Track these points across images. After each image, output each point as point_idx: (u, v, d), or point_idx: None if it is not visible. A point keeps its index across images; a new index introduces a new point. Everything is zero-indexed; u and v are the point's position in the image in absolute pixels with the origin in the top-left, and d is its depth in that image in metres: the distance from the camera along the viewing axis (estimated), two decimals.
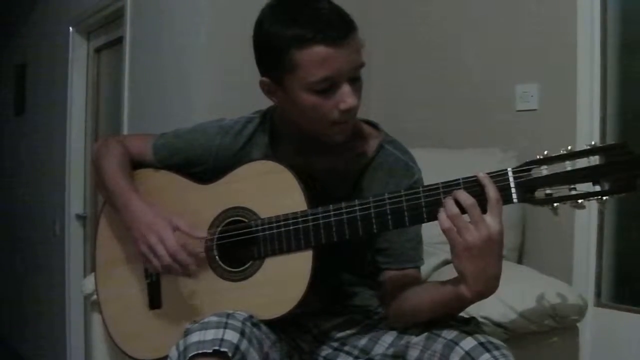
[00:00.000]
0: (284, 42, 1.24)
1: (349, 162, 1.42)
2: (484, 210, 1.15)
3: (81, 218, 3.69)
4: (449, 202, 1.17)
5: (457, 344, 1.19)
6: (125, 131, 2.94)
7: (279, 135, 1.46)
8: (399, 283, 1.38)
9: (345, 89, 1.26)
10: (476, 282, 1.16)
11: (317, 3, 1.27)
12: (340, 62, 1.24)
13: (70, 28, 3.69)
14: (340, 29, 1.24)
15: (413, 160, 1.45)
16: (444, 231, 1.17)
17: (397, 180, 1.41)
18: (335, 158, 1.40)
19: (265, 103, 1.44)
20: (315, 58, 1.23)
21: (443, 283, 1.25)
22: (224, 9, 2.44)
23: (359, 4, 2.64)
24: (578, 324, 1.74)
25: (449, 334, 1.22)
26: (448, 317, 1.30)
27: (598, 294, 2.09)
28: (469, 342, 1.18)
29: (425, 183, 1.32)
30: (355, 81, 1.29)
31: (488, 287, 1.18)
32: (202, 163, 1.48)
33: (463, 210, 1.16)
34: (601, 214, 2.08)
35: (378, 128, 1.48)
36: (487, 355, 1.15)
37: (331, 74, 1.24)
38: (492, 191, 1.15)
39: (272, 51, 1.28)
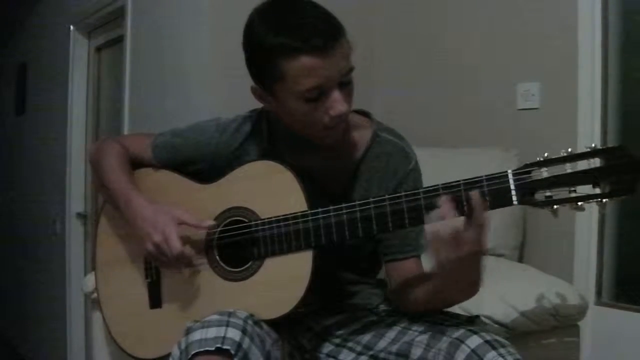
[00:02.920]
0: (271, 51, 1.23)
1: (345, 155, 1.43)
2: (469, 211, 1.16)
3: (82, 217, 3.69)
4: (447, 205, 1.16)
5: (462, 342, 1.19)
6: (125, 130, 2.94)
7: (276, 133, 1.46)
8: (405, 272, 1.39)
9: (335, 95, 1.26)
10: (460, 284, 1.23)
11: (304, 9, 1.25)
12: (328, 70, 1.23)
13: (71, 27, 3.69)
14: (327, 36, 1.22)
15: (409, 146, 1.46)
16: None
17: (395, 167, 1.42)
18: (331, 153, 1.41)
19: None
20: (303, 68, 1.22)
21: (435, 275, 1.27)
22: (225, 8, 2.44)
23: (361, 4, 2.67)
24: (579, 323, 1.74)
25: (454, 333, 1.22)
26: (452, 315, 1.33)
27: (599, 293, 2.09)
28: (474, 340, 1.18)
29: (426, 183, 1.32)
30: (345, 85, 1.28)
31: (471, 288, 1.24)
32: (200, 161, 1.48)
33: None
34: (602, 213, 2.08)
35: (370, 117, 1.48)
36: (493, 353, 1.15)
37: (319, 83, 1.23)
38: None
39: (260, 59, 1.27)
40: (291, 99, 1.27)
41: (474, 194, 1.15)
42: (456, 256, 1.13)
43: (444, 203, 1.16)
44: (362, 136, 1.44)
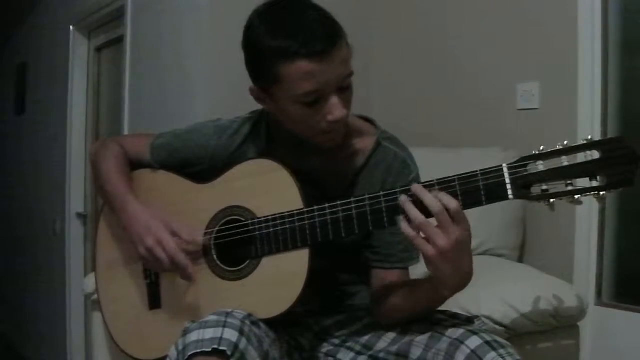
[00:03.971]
0: (269, 54, 1.23)
1: (345, 161, 1.42)
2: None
3: (81, 217, 3.69)
4: (413, 210, 1.16)
5: (462, 342, 1.18)
6: (125, 130, 2.94)
7: (275, 135, 1.46)
8: (386, 282, 1.38)
9: (333, 100, 1.25)
10: (453, 280, 1.19)
11: (304, 12, 1.24)
12: (326, 75, 1.22)
13: (71, 27, 3.70)
14: (326, 41, 1.21)
15: (411, 157, 1.45)
16: (411, 239, 1.17)
17: (394, 178, 1.40)
18: (331, 157, 1.40)
19: None
20: (300, 72, 1.21)
21: (422, 282, 1.28)
22: (225, 8, 2.44)
23: (360, 4, 2.67)
24: (579, 323, 1.74)
25: (454, 333, 1.21)
26: (451, 315, 1.32)
27: (599, 293, 2.09)
28: (474, 341, 1.18)
29: None
30: (344, 90, 1.27)
31: (464, 281, 1.21)
32: (199, 163, 1.48)
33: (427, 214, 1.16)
34: (602, 213, 2.08)
35: (374, 124, 1.47)
36: (493, 353, 1.15)
37: (317, 88, 1.23)
38: (452, 203, 1.15)
39: (258, 62, 1.27)
40: (288, 102, 1.27)
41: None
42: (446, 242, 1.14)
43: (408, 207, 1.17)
44: (364, 143, 1.43)
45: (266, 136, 1.46)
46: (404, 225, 1.17)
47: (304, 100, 1.24)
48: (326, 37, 1.22)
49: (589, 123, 2.05)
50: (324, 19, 1.25)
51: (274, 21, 1.25)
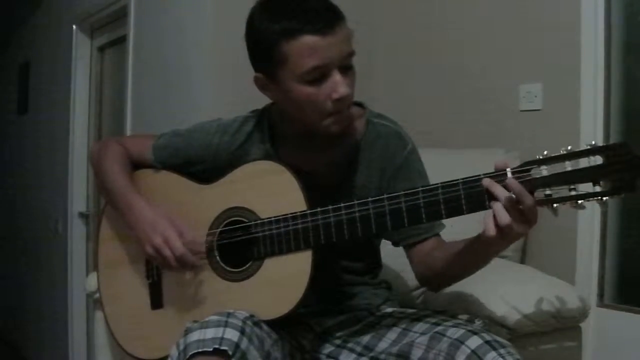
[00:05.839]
0: (273, 36, 1.26)
1: (345, 148, 1.44)
2: None
3: (84, 216, 3.69)
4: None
5: (463, 342, 1.18)
6: (128, 130, 2.95)
7: (277, 133, 1.47)
8: (423, 252, 1.41)
9: (337, 77, 1.27)
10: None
11: None
12: (329, 50, 1.25)
13: (74, 26, 3.69)
14: (327, 18, 1.25)
15: (403, 130, 1.48)
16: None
17: (393, 151, 1.44)
18: (333, 150, 1.42)
19: (268, 102, 1.45)
20: (304, 48, 1.24)
21: (471, 243, 1.28)
22: (227, 8, 2.44)
23: (361, 3, 2.67)
24: (580, 325, 1.73)
25: (455, 333, 1.21)
26: (452, 315, 1.33)
27: (601, 295, 2.08)
28: (475, 341, 1.18)
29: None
30: (347, 70, 1.30)
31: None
32: (201, 162, 1.48)
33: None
34: (604, 214, 2.07)
35: (363, 106, 1.49)
36: (493, 353, 1.15)
37: (321, 63, 1.25)
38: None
39: (262, 46, 1.29)
40: (293, 82, 1.28)
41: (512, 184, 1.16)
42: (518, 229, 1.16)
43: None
44: (357, 126, 1.45)
45: (268, 134, 1.47)
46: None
47: (309, 78, 1.27)
48: (328, 13, 1.26)
49: (592, 124, 2.05)
50: (324, 1, 1.29)
51: (275, 7, 1.29)
